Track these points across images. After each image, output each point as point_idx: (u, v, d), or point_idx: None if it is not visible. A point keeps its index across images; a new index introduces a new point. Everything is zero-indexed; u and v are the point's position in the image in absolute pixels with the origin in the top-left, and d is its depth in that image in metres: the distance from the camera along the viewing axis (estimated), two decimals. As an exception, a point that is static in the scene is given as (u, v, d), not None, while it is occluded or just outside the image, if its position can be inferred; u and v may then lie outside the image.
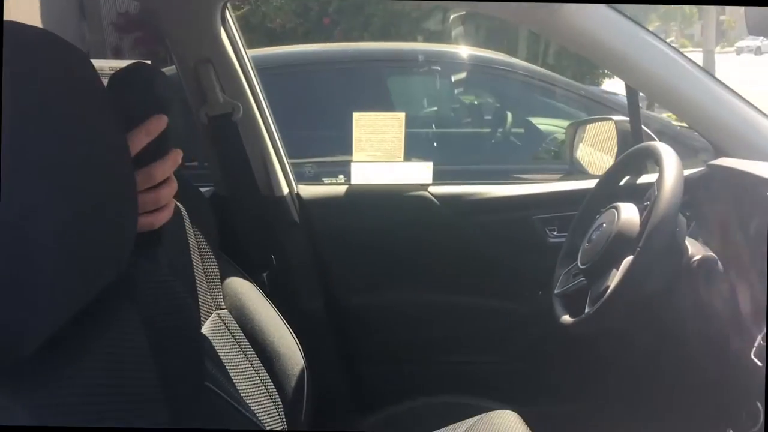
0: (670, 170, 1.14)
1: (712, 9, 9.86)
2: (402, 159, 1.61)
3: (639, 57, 1.42)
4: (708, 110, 1.43)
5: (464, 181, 1.65)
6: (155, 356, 0.68)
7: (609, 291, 1.15)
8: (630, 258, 1.15)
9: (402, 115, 1.60)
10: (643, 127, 1.58)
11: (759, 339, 1.03)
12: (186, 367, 0.75)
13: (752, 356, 1.03)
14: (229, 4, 1.39)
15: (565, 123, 3.21)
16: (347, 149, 1.60)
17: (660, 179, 1.15)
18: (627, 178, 1.37)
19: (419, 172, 1.62)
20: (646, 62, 1.42)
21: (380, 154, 1.61)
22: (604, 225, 1.24)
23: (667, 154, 1.18)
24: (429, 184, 1.61)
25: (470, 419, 1.25)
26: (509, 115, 3.20)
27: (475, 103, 3.38)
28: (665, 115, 2.92)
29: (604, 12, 1.40)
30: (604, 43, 1.42)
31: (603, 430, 1.42)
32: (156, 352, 0.67)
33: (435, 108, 3.28)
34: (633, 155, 1.33)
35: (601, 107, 2.91)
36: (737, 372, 1.05)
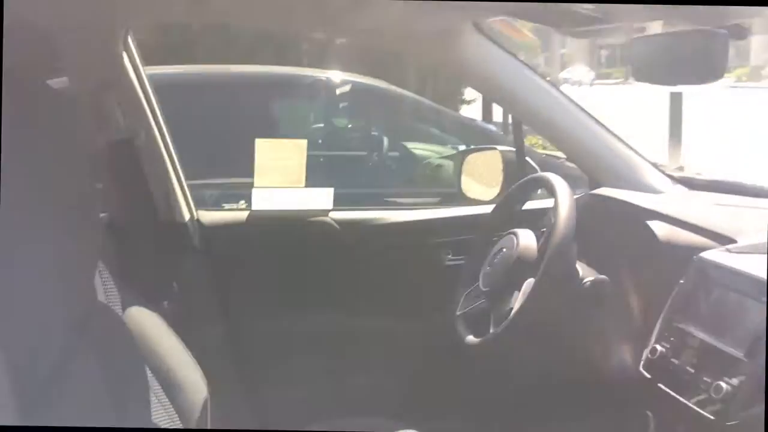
0: (564, 199, 1.26)
1: (556, 41, 10.70)
2: (303, 185, 1.63)
3: (524, 92, 1.55)
4: (584, 143, 1.58)
5: (364, 207, 1.70)
6: None
7: (513, 312, 1.24)
8: (531, 280, 1.25)
9: (304, 142, 1.63)
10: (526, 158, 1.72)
11: (646, 353, 1.16)
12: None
13: (641, 368, 1.16)
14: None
15: (439, 148, 3.38)
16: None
17: (555, 208, 1.26)
18: (520, 205, 1.48)
19: (320, 198, 1.65)
20: (530, 97, 1.56)
21: (282, 179, 1.62)
22: (504, 250, 1.34)
23: (560, 184, 1.29)
24: (330, 210, 1.65)
25: None
26: (385, 139, 3.31)
27: (349, 126, 3.45)
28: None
29: (495, 50, 1.51)
30: (495, 79, 1.54)
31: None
32: None
33: (313, 130, 3.32)
34: (527, 184, 1.44)
35: (472, 133, 3.08)
36: (628, 384, 1.17)
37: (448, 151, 3.16)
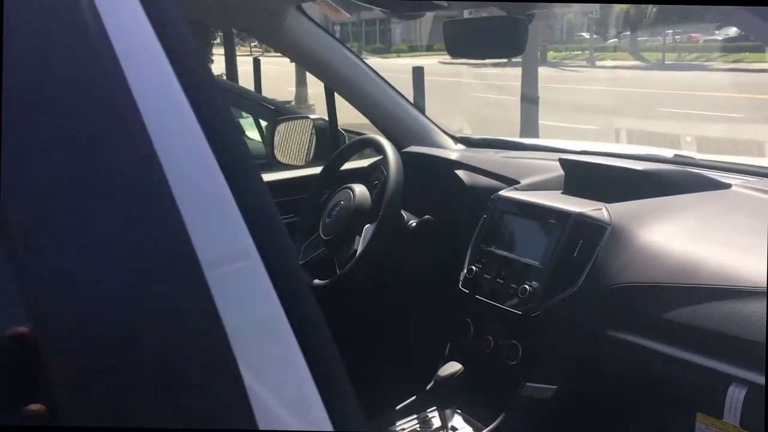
0: (392, 155, 1.51)
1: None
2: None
3: (337, 64, 1.77)
4: (388, 109, 1.86)
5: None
6: None
7: (357, 254, 1.47)
8: (369, 226, 1.48)
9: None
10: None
11: (463, 274, 1.46)
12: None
13: (460, 287, 1.46)
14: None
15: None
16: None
17: (385, 163, 1.50)
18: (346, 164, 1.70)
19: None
20: (342, 69, 1.78)
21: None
22: (342, 202, 1.55)
23: (386, 144, 1.54)
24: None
25: None
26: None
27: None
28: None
29: (313, 28, 1.71)
30: (313, 53, 1.73)
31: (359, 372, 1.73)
32: None
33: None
34: (355, 145, 1.67)
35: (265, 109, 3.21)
36: (453, 299, 1.47)
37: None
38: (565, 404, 1.31)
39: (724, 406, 1.08)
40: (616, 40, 17.16)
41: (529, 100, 6.92)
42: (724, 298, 1.11)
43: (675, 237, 1.24)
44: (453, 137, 1.94)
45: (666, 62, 14.27)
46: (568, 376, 1.31)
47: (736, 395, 1.07)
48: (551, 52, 16.58)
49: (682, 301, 1.15)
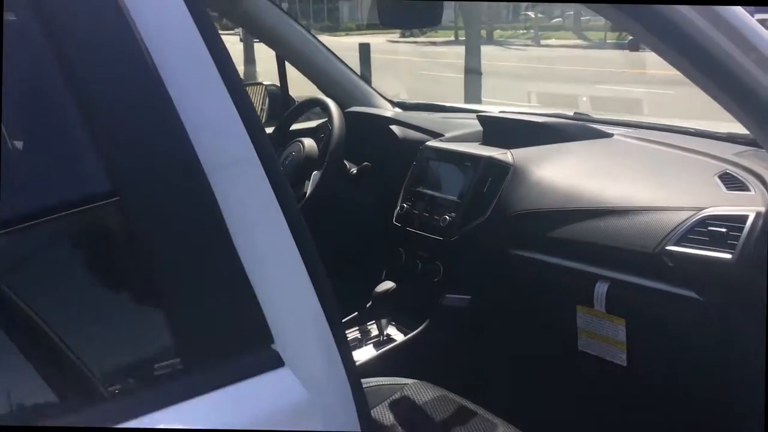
0: (336, 113, 1.78)
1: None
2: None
3: (287, 36, 2.02)
4: (333, 76, 2.12)
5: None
6: None
7: (307, 195, 1.74)
8: (317, 172, 1.75)
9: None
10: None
11: (397, 211, 1.75)
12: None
13: (394, 221, 1.75)
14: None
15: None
16: None
17: (330, 120, 1.77)
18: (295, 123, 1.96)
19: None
20: (292, 40, 2.03)
21: None
22: (293, 153, 1.82)
23: (331, 103, 1.81)
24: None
25: None
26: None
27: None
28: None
29: (268, 5, 1.95)
30: (267, 25, 1.98)
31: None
32: None
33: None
34: (303, 105, 1.93)
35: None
36: (389, 233, 1.76)
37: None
38: (477, 310, 1.61)
39: (594, 298, 1.40)
40: (560, 19, 17.68)
41: (473, 75, 7.24)
42: (595, 216, 1.42)
43: (562, 173, 1.54)
44: (390, 101, 2.21)
45: (607, 41, 14.78)
46: (480, 287, 1.61)
47: (601, 289, 1.39)
48: (498, 31, 16.97)
49: (566, 221, 1.45)
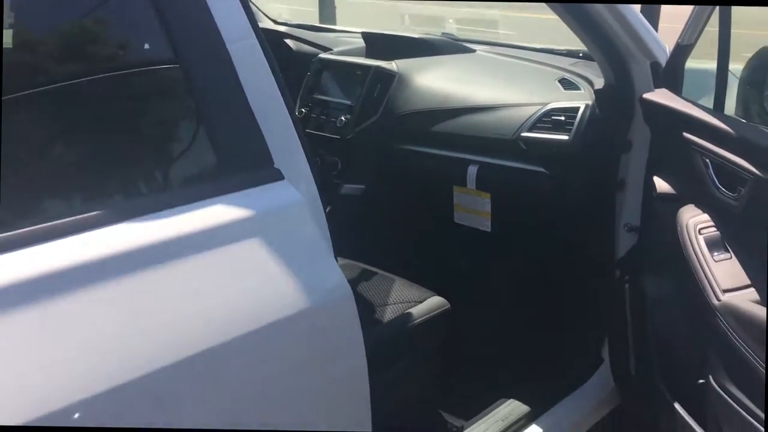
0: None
1: None
2: None
3: None
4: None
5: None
6: None
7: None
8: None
9: None
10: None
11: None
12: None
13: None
14: None
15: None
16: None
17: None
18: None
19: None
20: None
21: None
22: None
23: None
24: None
25: None
26: None
27: None
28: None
29: None
30: None
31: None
32: None
33: None
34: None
35: None
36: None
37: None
38: (370, 197, 1.92)
39: (467, 179, 1.75)
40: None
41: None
42: (466, 113, 1.76)
43: (438, 80, 1.87)
44: (274, 21, 2.41)
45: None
46: (372, 177, 1.91)
47: (472, 171, 1.74)
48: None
49: (442, 119, 1.79)
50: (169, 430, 0.66)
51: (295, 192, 0.96)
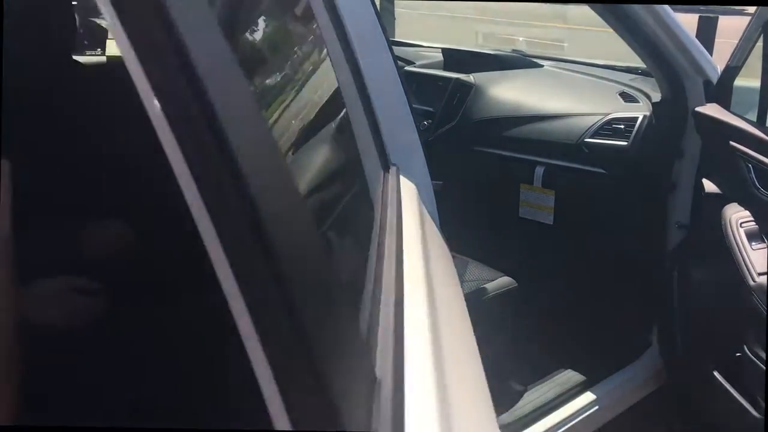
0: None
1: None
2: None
3: None
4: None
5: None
6: None
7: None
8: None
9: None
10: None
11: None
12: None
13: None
14: None
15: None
16: None
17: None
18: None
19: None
20: None
21: None
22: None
23: None
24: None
25: None
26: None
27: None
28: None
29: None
30: None
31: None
32: None
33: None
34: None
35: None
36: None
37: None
38: (448, 192, 2.18)
39: (534, 178, 1.99)
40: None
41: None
42: (535, 121, 2.01)
43: (510, 90, 2.12)
44: None
45: None
46: (450, 174, 2.17)
47: (539, 171, 1.99)
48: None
49: (514, 125, 2.04)
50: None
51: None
